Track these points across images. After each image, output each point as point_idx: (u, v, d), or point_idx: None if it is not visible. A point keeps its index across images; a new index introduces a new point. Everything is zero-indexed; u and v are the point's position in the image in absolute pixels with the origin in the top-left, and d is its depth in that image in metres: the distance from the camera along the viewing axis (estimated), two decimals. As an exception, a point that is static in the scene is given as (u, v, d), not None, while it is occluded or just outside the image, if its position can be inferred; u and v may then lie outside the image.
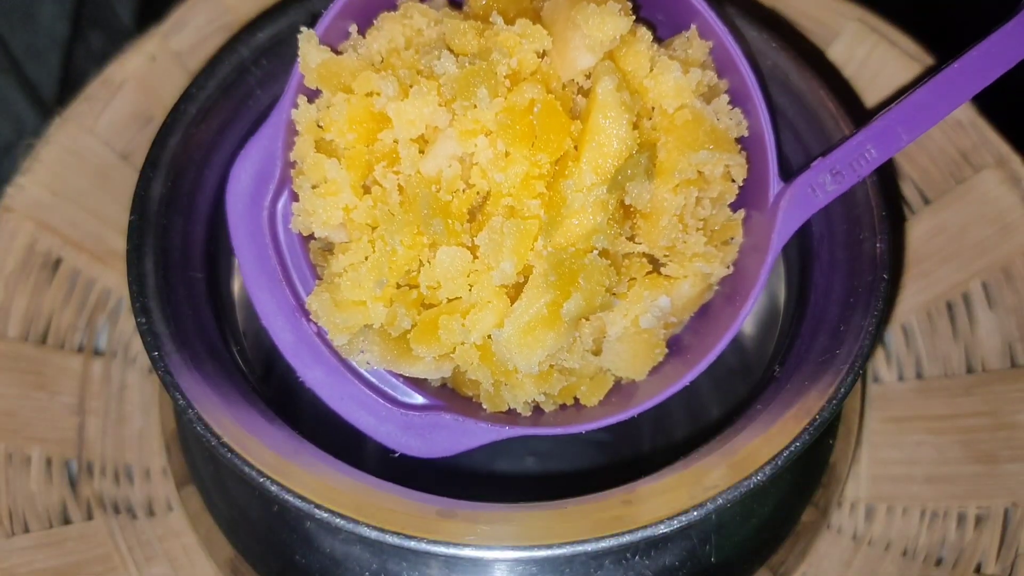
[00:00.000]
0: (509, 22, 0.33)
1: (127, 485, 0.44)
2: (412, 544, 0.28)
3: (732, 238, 0.35)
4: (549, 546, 0.29)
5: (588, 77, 0.33)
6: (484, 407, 0.34)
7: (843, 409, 0.40)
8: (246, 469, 0.30)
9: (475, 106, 0.31)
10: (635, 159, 0.31)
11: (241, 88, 0.37)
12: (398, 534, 0.28)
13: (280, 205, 0.35)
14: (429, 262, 0.32)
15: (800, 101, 0.36)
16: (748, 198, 0.35)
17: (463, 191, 0.32)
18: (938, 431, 0.44)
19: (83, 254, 0.46)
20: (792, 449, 0.30)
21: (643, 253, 0.35)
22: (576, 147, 0.32)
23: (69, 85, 0.68)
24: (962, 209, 0.45)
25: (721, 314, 0.34)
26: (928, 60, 0.46)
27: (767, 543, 0.37)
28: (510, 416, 0.34)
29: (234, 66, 0.37)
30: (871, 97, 0.46)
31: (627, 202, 0.33)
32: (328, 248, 0.35)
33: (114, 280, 0.47)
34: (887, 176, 0.46)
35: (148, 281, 0.33)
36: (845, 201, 0.35)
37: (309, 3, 0.38)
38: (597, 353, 0.35)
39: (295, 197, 0.34)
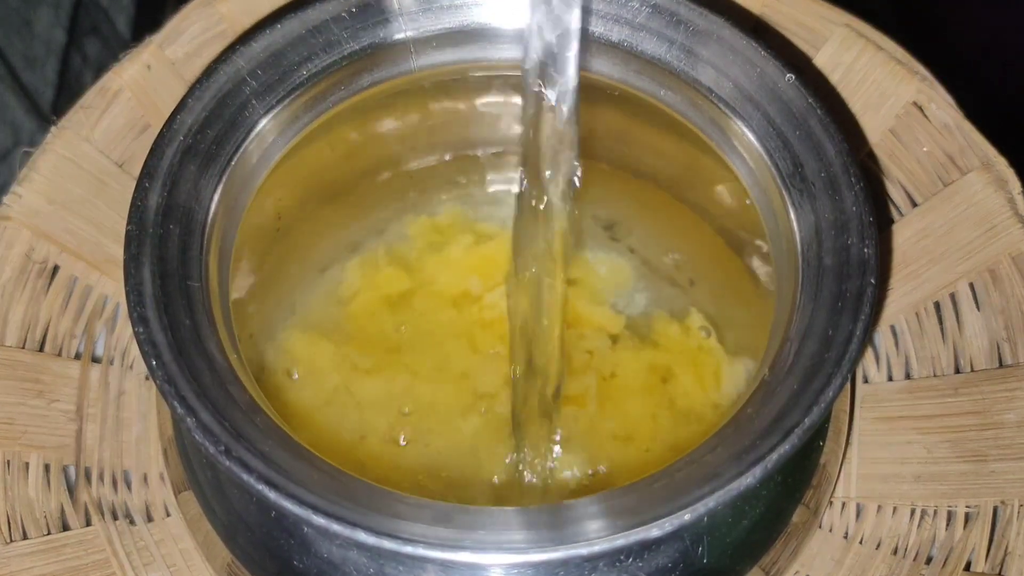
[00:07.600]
0: None
1: (125, 491, 0.45)
2: (408, 549, 0.29)
3: None
4: (544, 550, 0.29)
5: None
6: None
7: (833, 410, 0.40)
8: (244, 476, 0.30)
9: None
10: None
11: (237, 98, 0.38)
12: (394, 540, 0.29)
13: None
14: None
15: (787, 109, 0.37)
16: None
17: None
18: (927, 430, 0.44)
19: (80, 261, 0.46)
20: (782, 453, 0.30)
21: None
22: None
23: (65, 93, 0.68)
24: (949, 211, 0.45)
25: None
26: (915, 65, 0.46)
27: (759, 543, 0.37)
28: None
29: (229, 76, 0.38)
30: (857, 102, 0.46)
31: None
32: None
33: (111, 287, 0.47)
34: (874, 181, 0.46)
35: (146, 291, 0.33)
36: (832, 207, 0.35)
37: (304, 14, 0.38)
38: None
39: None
